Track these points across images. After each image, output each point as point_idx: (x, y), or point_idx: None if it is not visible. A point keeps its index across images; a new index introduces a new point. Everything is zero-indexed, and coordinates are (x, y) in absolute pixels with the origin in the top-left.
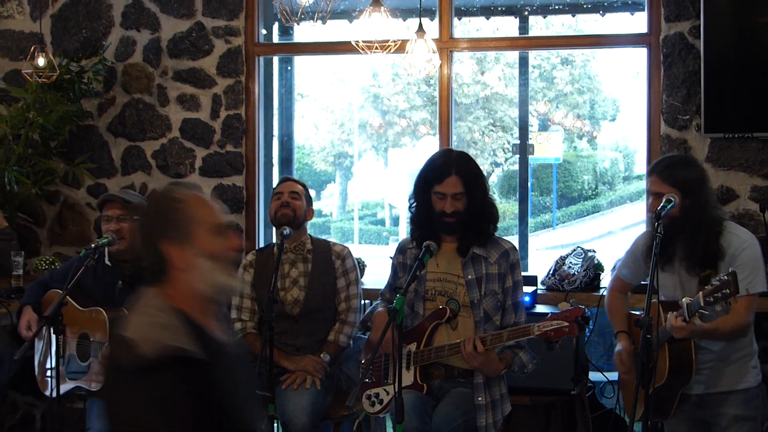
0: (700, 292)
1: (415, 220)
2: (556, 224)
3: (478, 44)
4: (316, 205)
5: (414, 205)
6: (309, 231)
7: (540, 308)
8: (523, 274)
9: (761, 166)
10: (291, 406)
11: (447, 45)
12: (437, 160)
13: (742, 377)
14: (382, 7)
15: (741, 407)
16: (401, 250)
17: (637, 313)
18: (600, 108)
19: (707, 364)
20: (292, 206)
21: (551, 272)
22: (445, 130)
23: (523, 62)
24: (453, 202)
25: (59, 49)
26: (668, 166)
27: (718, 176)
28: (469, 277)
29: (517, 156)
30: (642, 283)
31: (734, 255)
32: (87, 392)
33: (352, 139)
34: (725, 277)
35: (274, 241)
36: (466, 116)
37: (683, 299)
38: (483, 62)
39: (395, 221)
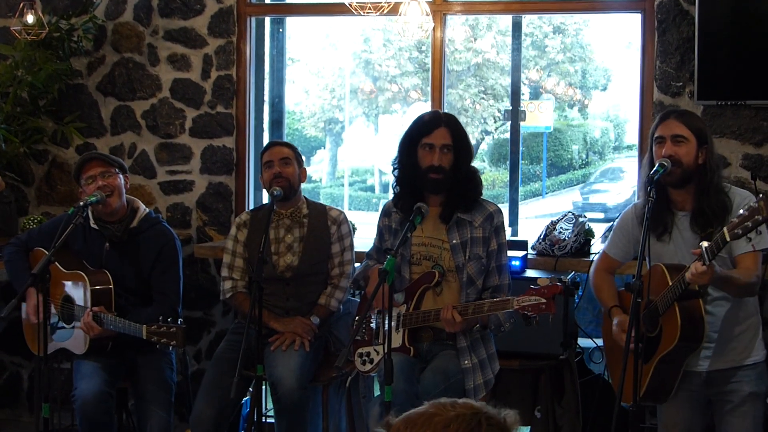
0: (724, 228)
1: (399, 181)
2: (546, 193)
3: (471, 7)
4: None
5: (398, 166)
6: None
7: (530, 273)
8: (514, 238)
9: (753, 134)
10: (279, 367)
11: (440, 8)
12: (425, 116)
13: (751, 351)
14: None
15: (755, 383)
16: (386, 213)
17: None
18: (591, 77)
19: (713, 335)
20: (285, 176)
21: (542, 237)
22: (437, 95)
23: (516, 27)
24: (441, 155)
25: (49, 6)
26: (685, 112)
27: None
28: (454, 241)
29: (508, 123)
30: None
31: (738, 210)
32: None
33: (342, 104)
34: (753, 204)
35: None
36: (457, 83)
37: (701, 243)
38: (475, 29)
39: (385, 188)
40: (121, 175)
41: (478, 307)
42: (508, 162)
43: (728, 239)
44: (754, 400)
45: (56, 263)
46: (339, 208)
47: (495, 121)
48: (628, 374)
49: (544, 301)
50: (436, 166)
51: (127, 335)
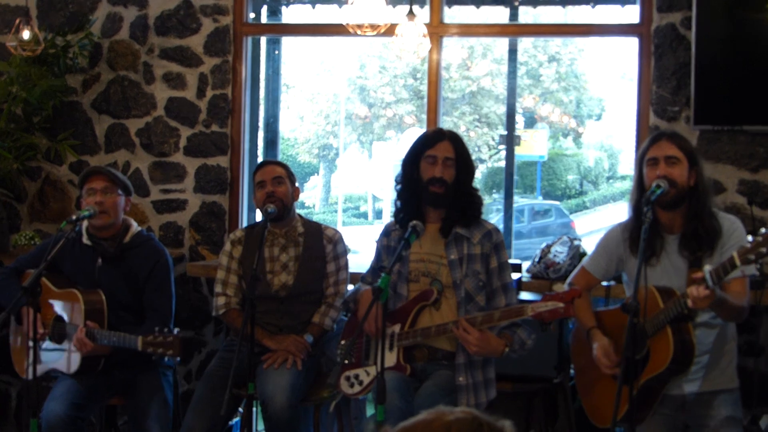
0: (735, 252)
1: (401, 196)
2: None
3: (468, 30)
4: (299, 197)
5: (400, 181)
6: None
7: (525, 295)
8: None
9: (749, 160)
10: (270, 385)
11: (437, 30)
12: (429, 132)
13: (730, 377)
14: None
15: (731, 408)
16: (386, 232)
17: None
18: (586, 107)
19: (700, 358)
20: (278, 196)
21: (536, 260)
22: (432, 116)
23: (512, 51)
24: (443, 168)
25: (45, 23)
26: (675, 134)
27: (706, 169)
28: (452, 257)
29: (503, 153)
30: (605, 284)
31: (728, 234)
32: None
33: (336, 131)
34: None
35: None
36: (451, 111)
37: (705, 267)
38: (471, 57)
39: (378, 214)
40: (123, 197)
41: (487, 317)
42: (502, 189)
43: (738, 264)
44: (731, 425)
45: (48, 283)
46: (334, 227)
47: (489, 149)
48: (606, 397)
49: (562, 305)
50: (437, 178)
51: (121, 352)
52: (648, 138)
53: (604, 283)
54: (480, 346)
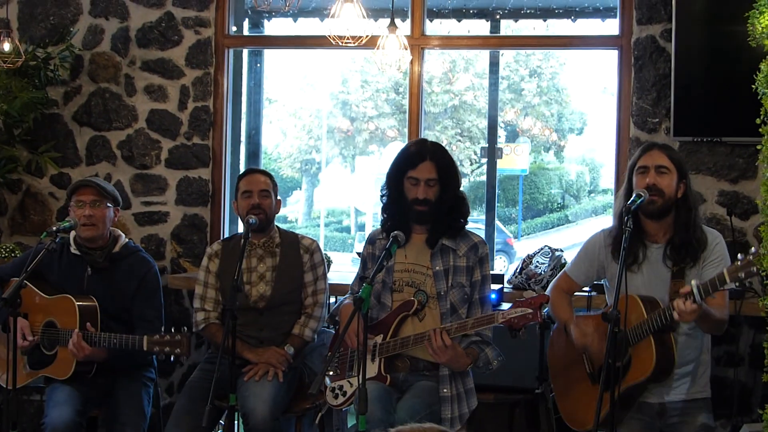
0: (725, 269)
1: (386, 209)
2: (521, 236)
3: (449, 42)
4: (281, 212)
5: (386, 194)
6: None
7: (506, 306)
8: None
9: (729, 171)
10: (252, 398)
11: (419, 42)
12: (411, 147)
13: (705, 386)
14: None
15: (706, 416)
16: (370, 241)
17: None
18: (567, 121)
19: (684, 368)
20: (263, 208)
21: (518, 270)
22: (414, 129)
23: (494, 68)
24: (426, 189)
25: (25, 35)
26: (667, 146)
27: None
28: (437, 268)
29: (485, 166)
30: (589, 287)
31: (711, 248)
32: (46, 380)
33: (319, 145)
34: (760, 251)
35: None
36: (434, 125)
37: (692, 281)
38: (453, 70)
39: (361, 227)
40: (112, 209)
41: (462, 326)
42: (484, 204)
43: (728, 281)
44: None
45: (37, 291)
46: (312, 237)
47: (471, 164)
48: (583, 401)
49: (530, 311)
50: (421, 199)
51: (107, 360)
52: (640, 148)
53: (585, 293)
54: (451, 359)
